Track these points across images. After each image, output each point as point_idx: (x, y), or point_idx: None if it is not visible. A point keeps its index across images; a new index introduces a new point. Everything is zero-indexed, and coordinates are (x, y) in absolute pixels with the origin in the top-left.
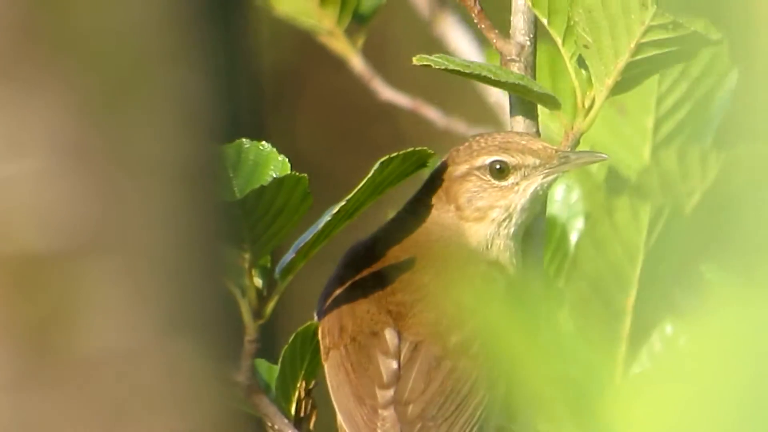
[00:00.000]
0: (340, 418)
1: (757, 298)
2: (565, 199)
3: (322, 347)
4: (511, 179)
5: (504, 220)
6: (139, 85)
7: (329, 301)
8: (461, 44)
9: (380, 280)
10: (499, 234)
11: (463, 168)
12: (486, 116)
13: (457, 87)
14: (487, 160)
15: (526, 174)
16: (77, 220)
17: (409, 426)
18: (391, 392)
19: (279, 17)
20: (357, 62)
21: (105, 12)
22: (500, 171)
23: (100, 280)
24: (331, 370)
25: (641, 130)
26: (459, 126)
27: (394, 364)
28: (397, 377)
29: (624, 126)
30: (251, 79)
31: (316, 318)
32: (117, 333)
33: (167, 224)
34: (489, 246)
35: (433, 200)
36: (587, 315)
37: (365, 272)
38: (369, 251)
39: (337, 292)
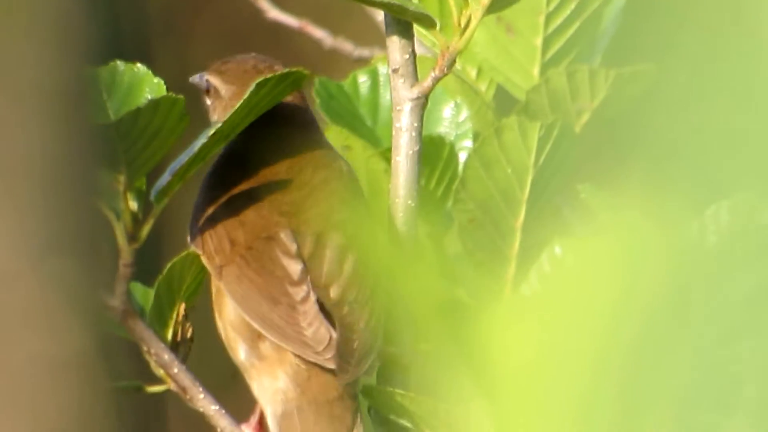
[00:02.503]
0: (255, 326)
1: (632, 217)
2: (453, 119)
3: (211, 268)
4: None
5: None
6: (14, 6)
7: (207, 221)
8: None
9: (260, 188)
10: None
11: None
12: (372, 36)
13: (344, 6)
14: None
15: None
16: None
17: (337, 308)
18: (304, 288)
19: None
20: None
21: None
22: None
23: None
24: (230, 285)
25: (530, 49)
26: (346, 46)
27: (299, 263)
28: (306, 273)
29: (512, 45)
30: (135, 2)
31: (190, 243)
32: None
33: (43, 146)
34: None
35: None
36: (476, 236)
37: (240, 185)
38: (230, 167)
39: (214, 210)
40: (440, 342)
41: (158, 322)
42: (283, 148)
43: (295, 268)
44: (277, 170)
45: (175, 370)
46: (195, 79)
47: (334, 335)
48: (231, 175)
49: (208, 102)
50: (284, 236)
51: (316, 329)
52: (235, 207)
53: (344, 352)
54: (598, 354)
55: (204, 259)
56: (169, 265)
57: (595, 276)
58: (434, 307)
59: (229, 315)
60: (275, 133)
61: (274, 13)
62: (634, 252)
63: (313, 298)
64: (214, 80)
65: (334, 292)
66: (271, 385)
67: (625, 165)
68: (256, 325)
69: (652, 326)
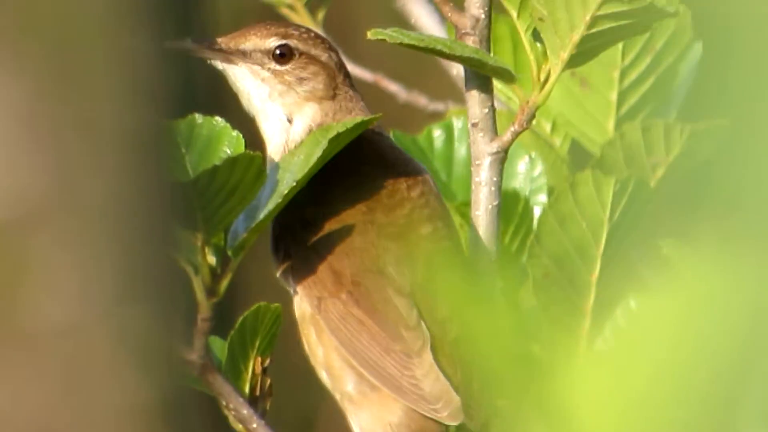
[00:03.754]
0: (363, 372)
1: (713, 273)
2: (528, 173)
3: (306, 298)
4: None
5: None
6: (92, 51)
7: (302, 245)
8: (422, 17)
9: (360, 207)
10: None
11: None
12: (447, 90)
13: (419, 60)
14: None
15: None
16: (29, 189)
17: (455, 345)
18: (420, 333)
19: None
20: None
21: None
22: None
23: (53, 250)
24: (332, 323)
25: (605, 104)
26: (420, 100)
27: (413, 305)
28: (420, 317)
29: (587, 99)
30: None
31: (276, 268)
32: (69, 304)
33: (121, 198)
34: None
35: None
36: (551, 291)
37: (337, 203)
38: (319, 182)
39: (310, 232)
40: (516, 398)
41: (233, 376)
42: (369, 158)
43: (409, 310)
44: (373, 185)
45: (254, 425)
46: (199, 46)
47: (451, 388)
48: (324, 191)
49: (282, 66)
50: (394, 270)
51: (433, 382)
52: (336, 230)
53: (467, 397)
54: (674, 410)
55: (298, 289)
56: (240, 318)
57: (670, 331)
58: (510, 362)
59: (330, 349)
60: (356, 143)
61: (350, 67)
62: (708, 307)
63: (428, 345)
64: (304, 46)
65: (452, 330)
66: (381, 419)
67: (700, 220)
68: (365, 372)
69: (728, 381)
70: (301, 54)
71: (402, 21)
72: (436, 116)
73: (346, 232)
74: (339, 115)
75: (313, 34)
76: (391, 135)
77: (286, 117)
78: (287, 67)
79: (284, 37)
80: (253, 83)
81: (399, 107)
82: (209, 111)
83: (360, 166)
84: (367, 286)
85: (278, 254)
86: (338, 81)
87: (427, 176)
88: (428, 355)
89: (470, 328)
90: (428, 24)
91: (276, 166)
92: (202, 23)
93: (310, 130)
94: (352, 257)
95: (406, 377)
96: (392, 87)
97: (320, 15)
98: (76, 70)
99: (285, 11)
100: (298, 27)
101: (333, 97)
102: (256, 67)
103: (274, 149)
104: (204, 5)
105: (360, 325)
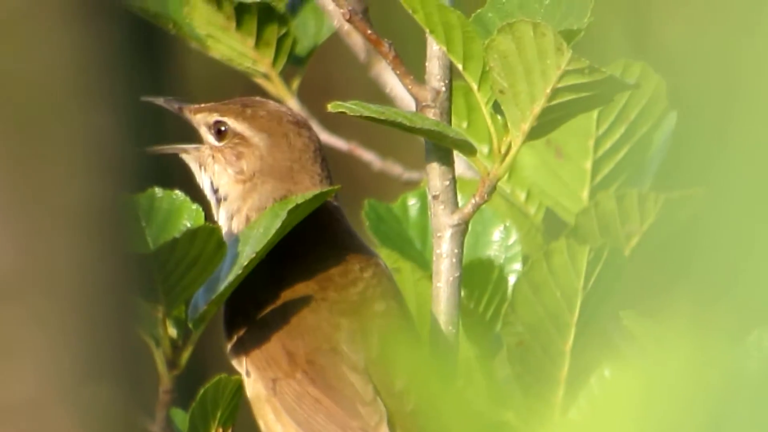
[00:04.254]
0: None
1: (679, 347)
2: (503, 242)
3: (261, 381)
4: None
5: None
6: (55, 126)
7: (254, 326)
8: (397, 86)
9: (312, 285)
10: None
11: None
12: (421, 159)
13: (395, 129)
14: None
15: None
16: None
17: (412, 418)
18: (377, 408)
19: (214, 59)
20: (293, 104)
21: (15, 54)
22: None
23: (18, 327)
24: (287, 403)
25: (579, 173)
26: (395, 168)
27: (368, 381)
28: (376, 392)
29: (561, 168)
30: (174, 124)
31: (229, 351)
32: (34, 380)
33: (79, 271)
34: None
35: None
36: (525, 359)
37: (287, 283)
38: (269, 263)
39: (261, 313)
40: None
41: None
42: (324, 240)
43: (365, 386)
44: (325, 265)
45: None
46: (171, 105)
47: None
48: (276, 272)
49: (218, 143)
50: (347, 347)
51: None
52: (288, 310)
53: None
54: None
55: (252, 370)
56: (201, 390)
57: (644, 402)
58: (483, 430)
59: (290, 428)
60: (310, 225)
61: (323, 136)
62: (681, 378)
63: (385, 419)
64: (240, 126)
65: (410, 402)
66: None
67: (673, 289)
68: None
69: None
70: (235, 134)
71: (378, 90)
72: (410, 185)
73: (298, 310)
74: (276, 194)
75: (263, 113)
76: (365, 204)
77: (222, 194)
78: (222, 144)
79: (223, 114)
80: (195, 156)
81: (374, 176)
82: (171, 185)
83: (312, 248)
84: (321, 364)
85: (231, 336)
86: (269, 163)
87: (380, 260)
88: (385, 430)
89: (428, 399)
90: (403, 93)
91: (236, 239)
92: (172, 95)
93: (241, 211)
94: (305, 336)
95: None
96: (367, 156)
97: (295, 84)
98: (37, 145)
99: (260, 80)
100: (257, 104)
101: (263, 180)
102: (204, 142)
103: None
104: (173, 78)
105: (316, 404)
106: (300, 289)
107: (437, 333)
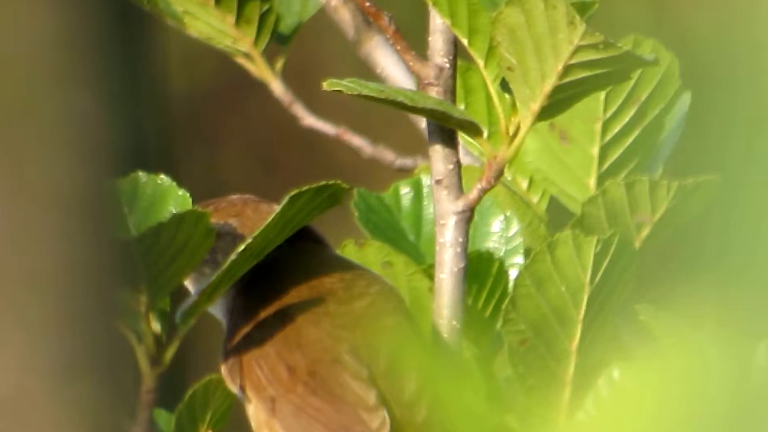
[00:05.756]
0: None
1: (696, 342)
2: (503, 233)
3: (259, 402)
4: None
5: None
6: (35, 111)
7: (251, 345)
8: (389, 66)
9: (313, 300)
10: None
11: None
12: (415, 144)
13: (386, 111)
14: None
15: None
16: None
17: (425, 429)
18: (381, 414)
19: (193, 38)
20: (277, 86)
21: None
22: None
23: None
24: (286, 420)
25: (585, 159)
26: (387, 155)
27: (372, 387)
28: (381, 398)
29: (567, 154)
30: (160, 105)
31: (226, 373)
32: (11, 376)
33: (59, 262)
34: None
35: None
36: (528, 359)
37: (287, 298)
38: (267, 281)
39: (260, 330)
40: None
41: None
42: (324, 258)
43: (367, 392)
44: (328, 280)
45: None
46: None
47: None
48: (272, 290)
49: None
50: (350, 358)
51: None
52: (289, 326)
53: None
54: None
55: (252, 396)
56: (190, 391)
57: (654, 402)
58: None
59: None
60: (305, 248)
61: (310, 120)
62: (693, 378)
63: (388, 425)
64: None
65: (420, 412)
66: None
67: (687, 283)
68: None
69: None
70: None
71: (368, 70)
72: (404, 172)
73: (299, 326)
74: None
75: (223, 204)
76: (355, 193)
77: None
78: None
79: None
80: None
81: (364, 163)
82: (158, 170)
83: (313, 265)
84: (323, 374)
85: (227, 358)
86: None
87: (387, 280)
88: None
89: (440, 408)
90: (395, 74)
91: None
92: (151, 77)
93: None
94: (307, 349)
95: None
96: (356, 141)
97: (279, 64)
98: (17, 130)
99: (241, 60)
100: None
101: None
102: None
103: None
104: (154, 57)
105: (317, 413)
106: (301, 304)
107: (439, 337)
